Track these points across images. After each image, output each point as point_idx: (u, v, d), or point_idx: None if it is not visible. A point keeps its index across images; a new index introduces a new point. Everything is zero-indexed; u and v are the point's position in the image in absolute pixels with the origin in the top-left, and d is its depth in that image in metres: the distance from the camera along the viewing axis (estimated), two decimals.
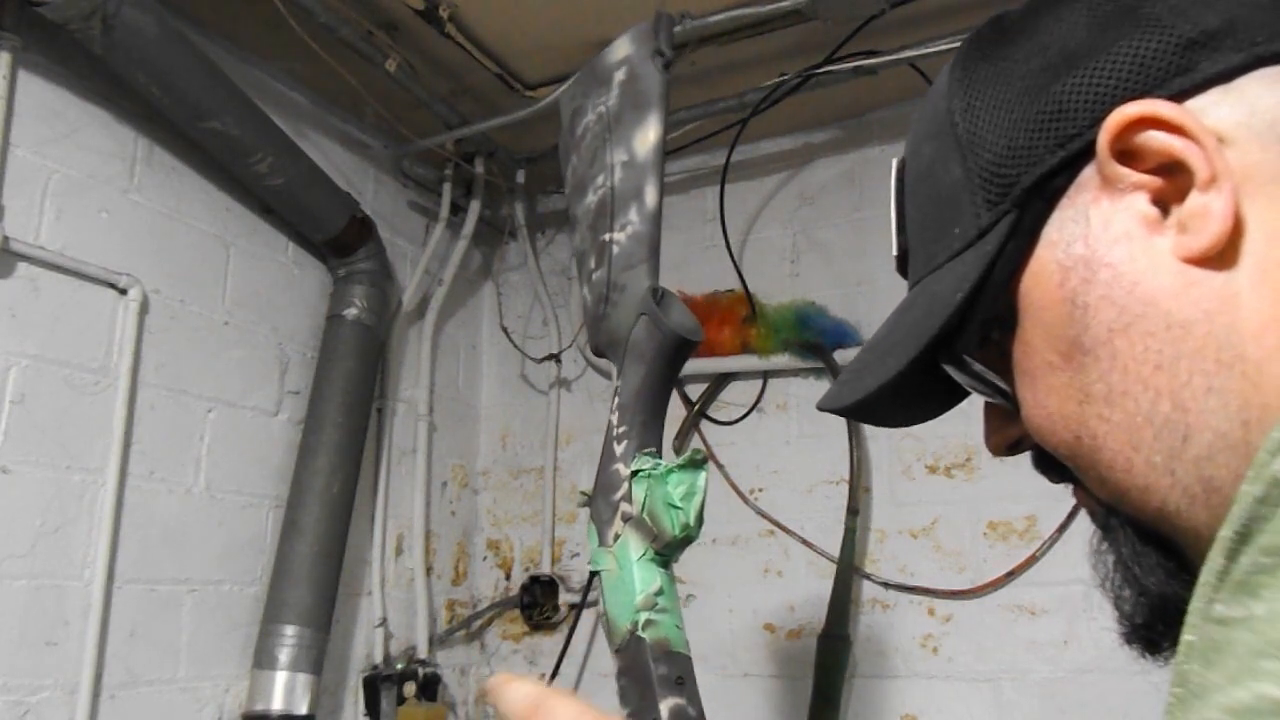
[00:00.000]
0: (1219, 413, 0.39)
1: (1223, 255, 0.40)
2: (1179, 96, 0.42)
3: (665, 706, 1.05)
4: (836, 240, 2.16)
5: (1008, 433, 0.52)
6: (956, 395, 0.55)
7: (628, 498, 1.14)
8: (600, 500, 1.17)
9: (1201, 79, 0.41)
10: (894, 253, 0.56)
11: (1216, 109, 0.41)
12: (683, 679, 1.09)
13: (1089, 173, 0.44)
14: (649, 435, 1.17)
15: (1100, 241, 0.43)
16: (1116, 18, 0.44)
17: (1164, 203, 0.42)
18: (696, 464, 1.13)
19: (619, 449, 1.16)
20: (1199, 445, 0.40)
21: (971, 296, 0.47)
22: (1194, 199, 0.40)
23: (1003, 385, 0.50)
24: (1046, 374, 0.46)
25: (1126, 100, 0.42)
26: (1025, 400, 0.48)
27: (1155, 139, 0.41)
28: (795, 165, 2.24)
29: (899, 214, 0.55)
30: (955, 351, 0.49)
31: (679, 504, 1.11)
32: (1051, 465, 0.49)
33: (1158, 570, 0.45)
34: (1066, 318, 0.44)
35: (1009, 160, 0.46)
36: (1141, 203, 0.42)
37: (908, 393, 0.52)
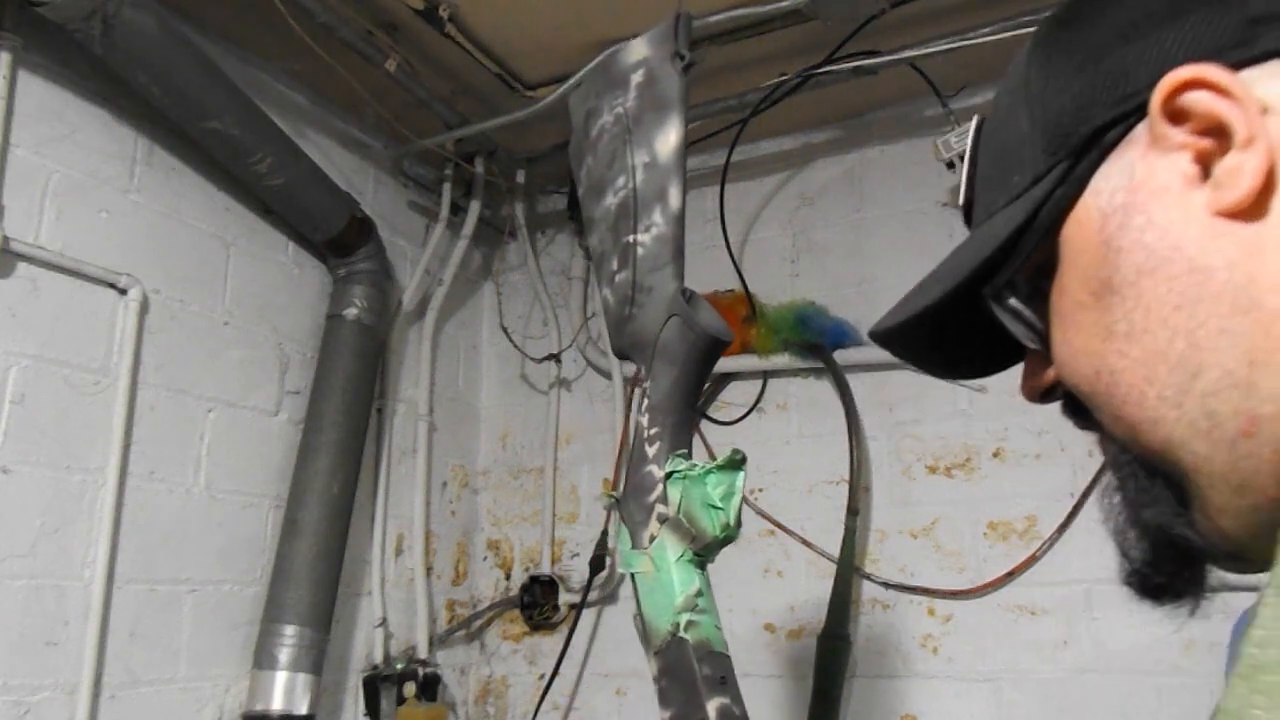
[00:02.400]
0: (1228, 351, 0.42)
1: (1252, 211, 0.42)
2: (1235, 66, 0.44)
3: (712, 706, 1.06)
4: (836, 240, 2.16)
5: (1041, 379, 0.56)
6: (994, 360, 0.59)
7: (663, 499, 1.13)
8: (632, 502, 1.16)
9: (1260, 53, 0.44)
10: (959, 203, 0.60)
11: (1269, 81, 0.43)
12: (725, 678, 1.09)
13: (1141, 130, 0.47)
14: (681, 436, 1.17)
15: (1141, 192, 0.46)
16: None
17: (1206, 164, 0.44)
18: (735, 464, 1.12)
19: (651, 450, 1.15)
20: (1206, 381, 0.43)
21: (1017, 234, 0.50)
22: (1231, 158, 0.43)
23: (1038, 324, 0.53)
24: (1076, 312, 0.49)
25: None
26: (1055, 339, 0.51)
27: (1202, 100, 0.44)
28: (795, 165, 2.24)
29: (970, 167, 0.59)
30: (996, 285, 0.53)
31: (719, 504, 1.11)
32: (1079, 410, 0.52)
33: (1158, 503, 0.47)
34: (1100, 260, 0.47)
35: (1070, 115, 0.49)
36: (1184, 162, 0.45)
37: (952, 332, 0.56)
